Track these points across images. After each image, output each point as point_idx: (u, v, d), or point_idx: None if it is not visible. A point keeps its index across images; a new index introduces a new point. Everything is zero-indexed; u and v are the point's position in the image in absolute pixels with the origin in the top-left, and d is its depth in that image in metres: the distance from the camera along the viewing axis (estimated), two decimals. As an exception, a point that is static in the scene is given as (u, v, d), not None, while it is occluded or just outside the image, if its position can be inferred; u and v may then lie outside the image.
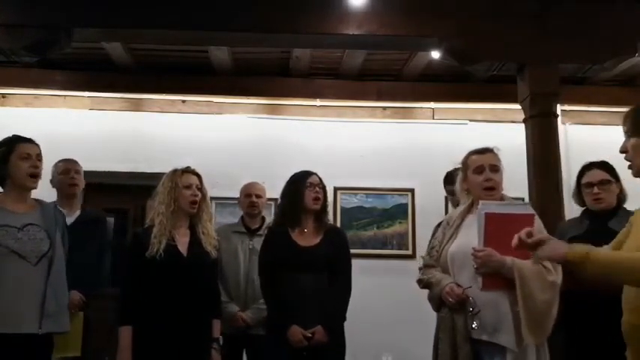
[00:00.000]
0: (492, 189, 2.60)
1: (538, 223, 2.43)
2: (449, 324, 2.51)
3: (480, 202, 2.46)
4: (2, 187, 2.73)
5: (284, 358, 2.92)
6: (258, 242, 3.71)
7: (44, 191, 3.25)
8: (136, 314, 2.77)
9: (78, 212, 3.47)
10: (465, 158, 2.74)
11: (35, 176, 2.69)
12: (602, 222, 2.89)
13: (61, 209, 3.23)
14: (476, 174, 2.64)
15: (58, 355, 2.94)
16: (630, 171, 1.95)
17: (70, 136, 5.00)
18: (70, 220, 3.28)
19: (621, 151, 1.96)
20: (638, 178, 1.94)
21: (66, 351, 3.07)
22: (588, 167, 3.08)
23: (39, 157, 2.74)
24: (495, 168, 2.64)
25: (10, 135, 2.78)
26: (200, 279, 2.87)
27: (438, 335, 2.60)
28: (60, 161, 3.58)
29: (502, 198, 2.64)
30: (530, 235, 1.86)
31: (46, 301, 2.55)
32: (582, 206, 3.10)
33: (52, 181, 3.53)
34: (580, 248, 1.81)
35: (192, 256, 2.87)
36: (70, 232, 3.12)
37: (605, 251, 1.84)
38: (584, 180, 3.04)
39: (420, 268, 2.79)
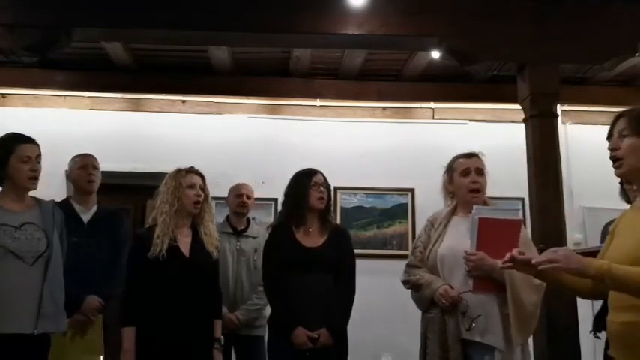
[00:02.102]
0: (478, 191, 2.72)
1: (523, 230, 2.57)
2: (439, 324, 2.57)
3: (474, 207, 2.55)
4: (1, 186, 2.70)
5: (287, 358, 2.92)
6: (245, 243, 3.75)
7: (52, 188, 3.26)
8: (139, 315, 2.77)
9: (95, 208, 3.36)
10: (451, 162, 2.85)
11: (35, 179, 2.67)
12: None
13: (76, 205, 3.29)
14: (462, 177, 2.75)
15: None
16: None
17: (70, 136, 4.99)
18: (86, 217, 3.28)
19: (612, 148, 1.96)
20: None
21: (90, 354, 3.11)
22: None
23: (38, 158, 2.70)
24: (481, 172, 2.76)
25: (9, 133, 2.72)
26: (202, 279, 2.87)
27: (425, 335, 2.65)
28: (77, 156, 3.47)
29: (486, 202, 2.74)
30: (522, 253, 2.00)
31: (43, 302, 2.54)
32: (628, 203, 3.03)
33: (68, 176, 3.48)
34: (600, 263, 1.84)
35: (194, 257, 2.88)
36: (88, 229, 3.19)
37: (624, 267, 1.79)
38: None
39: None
